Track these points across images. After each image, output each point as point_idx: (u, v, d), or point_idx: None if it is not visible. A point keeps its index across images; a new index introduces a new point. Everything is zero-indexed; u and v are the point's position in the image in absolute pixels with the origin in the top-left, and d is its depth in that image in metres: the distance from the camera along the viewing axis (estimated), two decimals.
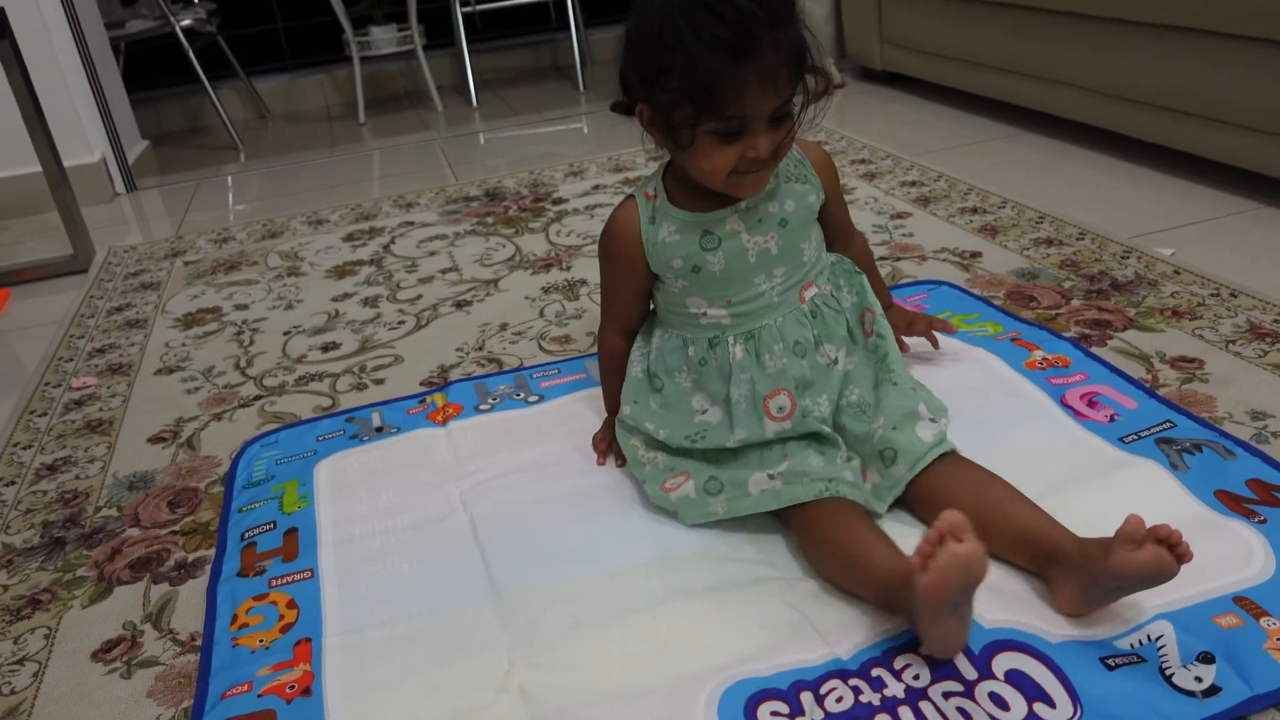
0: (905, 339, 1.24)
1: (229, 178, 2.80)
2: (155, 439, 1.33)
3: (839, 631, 0.85)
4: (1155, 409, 1.12)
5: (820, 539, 0.92)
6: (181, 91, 3.62)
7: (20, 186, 2.46)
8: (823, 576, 0.92)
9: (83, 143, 2.55)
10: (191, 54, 3.11)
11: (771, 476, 0.97)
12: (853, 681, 0.80)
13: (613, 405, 1.15)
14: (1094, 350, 1.26)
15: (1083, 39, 2.02)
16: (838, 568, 0.90)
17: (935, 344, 1.25)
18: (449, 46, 3.70)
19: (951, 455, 0.97)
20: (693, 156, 0.93)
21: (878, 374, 1.06)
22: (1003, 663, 0.80)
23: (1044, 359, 1.25)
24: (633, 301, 1.10)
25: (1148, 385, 1.17)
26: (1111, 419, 1.11)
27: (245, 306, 1.75)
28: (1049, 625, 0.84)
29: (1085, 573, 0.81)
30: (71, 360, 1.61)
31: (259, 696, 0.86)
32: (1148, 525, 0.78)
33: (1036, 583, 0.88)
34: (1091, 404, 1.15)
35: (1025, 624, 0.84)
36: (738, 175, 0.93)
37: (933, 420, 1.00)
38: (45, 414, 1.44)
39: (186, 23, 3.16)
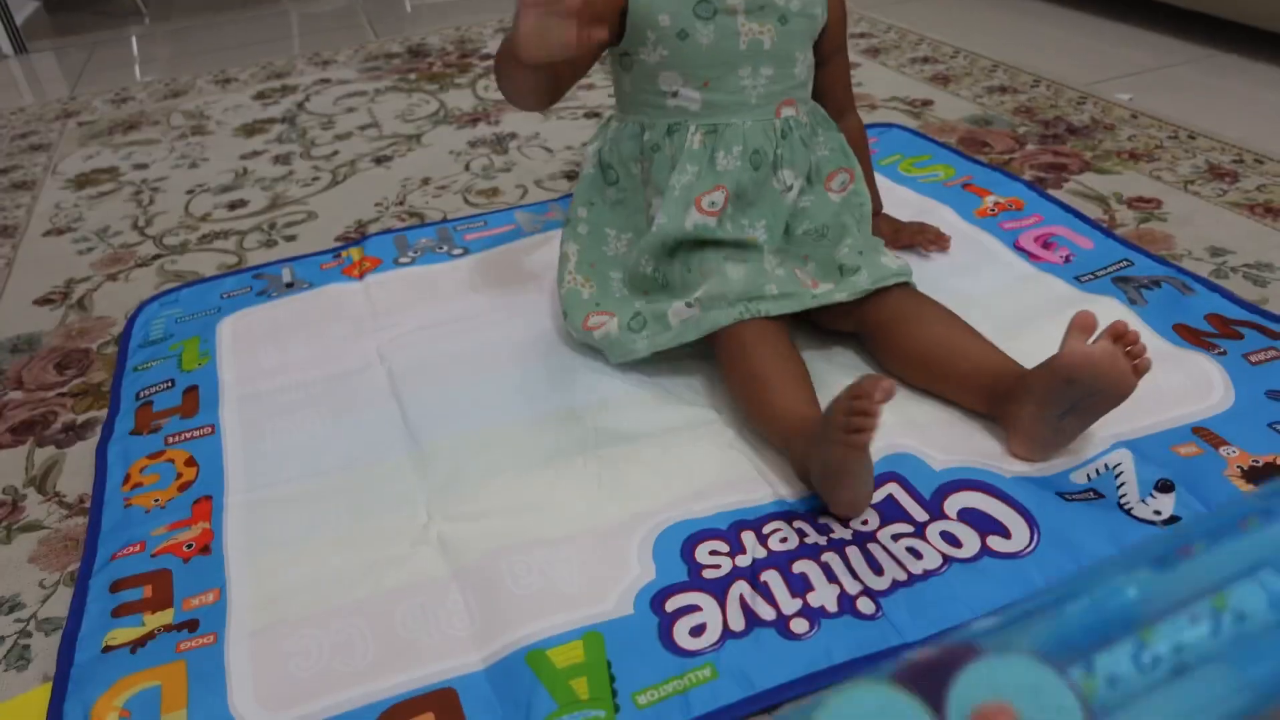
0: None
1: (131, 40, 2.58)
2: (42, 300, 1.22)
3: (784, 474, 0.80)
4: (1112, 248, 1.07)
5: (731, 368, 0.87)
6: None
7: None
8: (739, 410, 0.87)
9: None
10: None
11: (690, 304, 0.90)
12: (797, 523, 0.75)
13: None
14: (1050, 193, 1.20)
15: None
16: (745, 401, 0.85)
17: (929, 249, 1.09)
18: None
19: (911, 289, 0.91)
20: None
21: (853, 220, 0.98)
22: (955, 503, 0.75)
23: (996, 204, 1.19)
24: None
25: (1104, 225, 1.12)
26: (1067, 259, 1.06)
27: (145, 166, 1.61)
28: (1002, 462, 0.79)
29: (1037, 392, 0.75)
30: None
31: (152, 556, 0.79)
32: None
33: (989, 426, 0.83)
34: (1046, 245, 1.09)
35: (977, 462, 0.79)
36: None
37: (898, 258, 0.94)
38: None
39: None
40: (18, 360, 1.09)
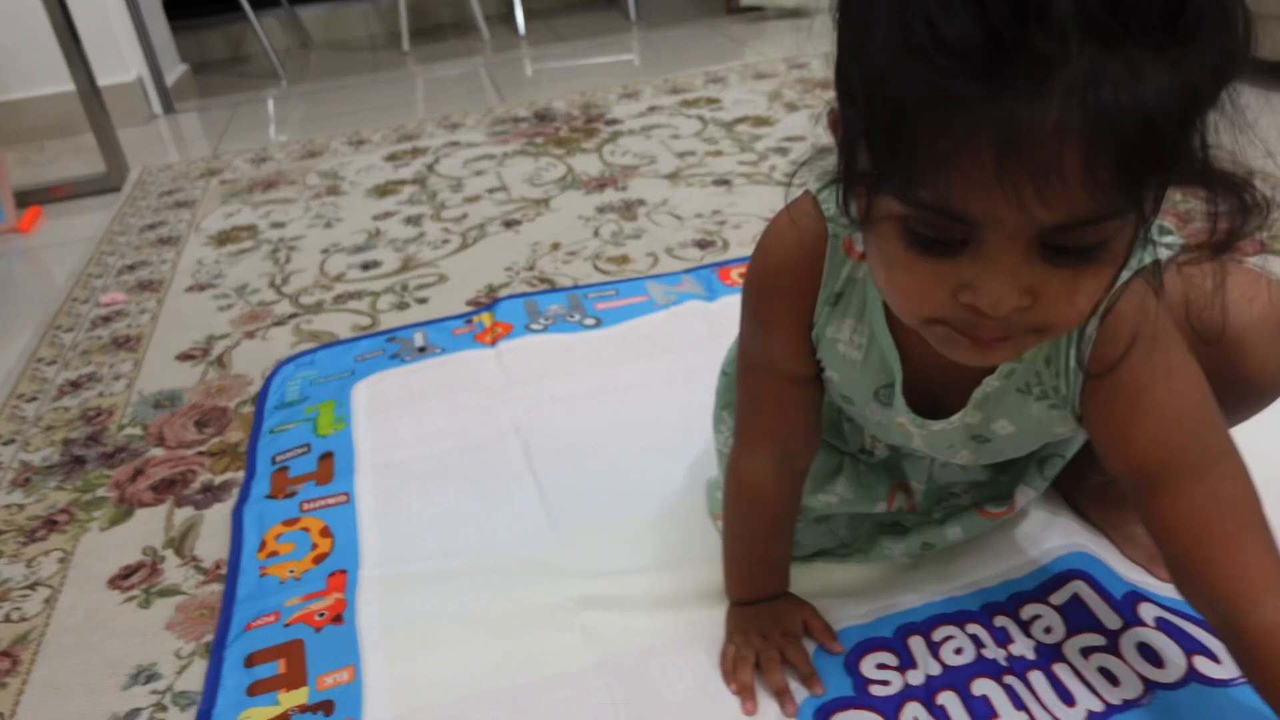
0: None
1: (269, 102, 2.69)
2: (184, 356, 1.24)
3: (952, 565, 0.74)
4: None
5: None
6: (224, 19, 3.51)
7: (55, 105, 2.37)
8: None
9: (118, 61, 2.45)
10: None
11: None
12: (971, 628, 0.69)
13: (743, 587, 0.72)
14: None
15: None
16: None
17: None
18: None
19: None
20: (870, 247, 0.49)
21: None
22: (1150, 611, 0.68)
23: None
24: (791, 395, 0.63)
25: None
26: None
27: (282, 225, 1.64)
28: None
29: None
30: (101, 277, 1.52)
31: (285, 626, 0.77)
32: None
33: None
34: None
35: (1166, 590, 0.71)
36: (943, 326, 0.47)
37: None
38: (72, 329, 1.35)
39: None
40: (160, 416, 1.11)
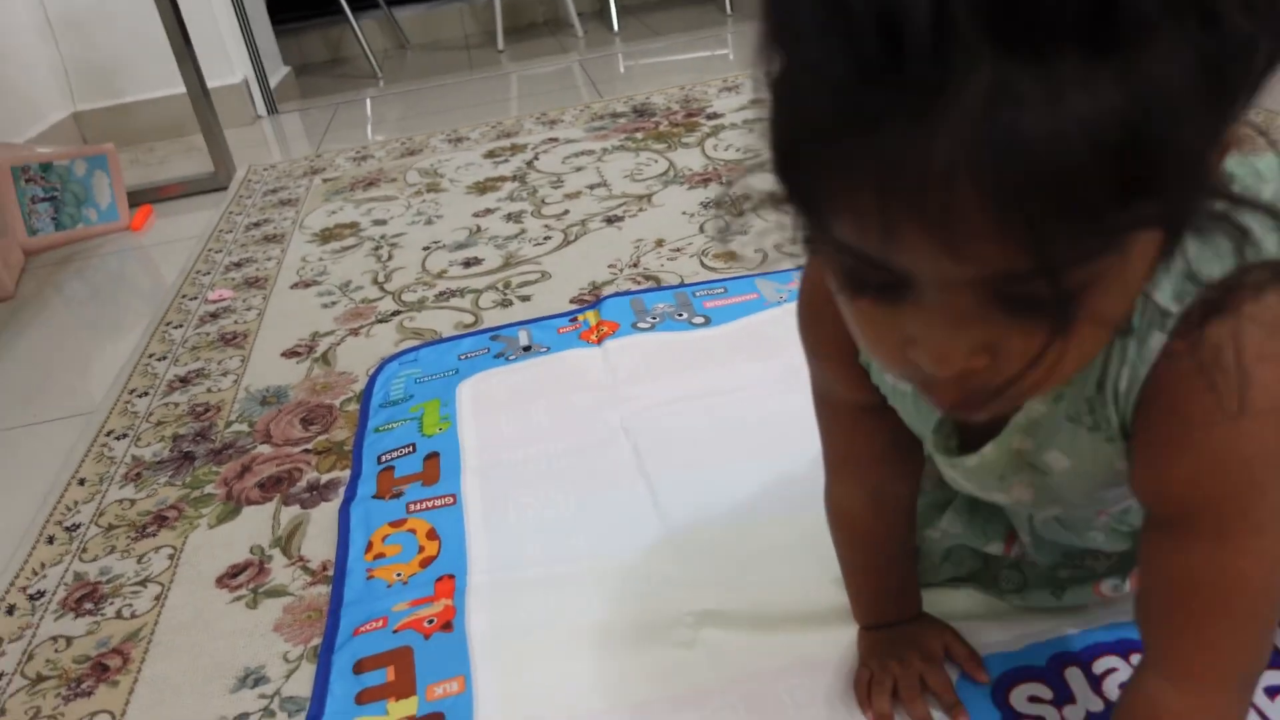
0: None
1: (368, 101, 2.72)
2: (289, 353, 1.24)
3: (1111, 583, 0.67)
4: None
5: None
6: (323, 22, 3.57)
7: (166, 108, 2.43)
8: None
9: (225, 64, 2.51)
10: None
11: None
12: (1136, 657, 0.62)
13: (869, 613, 0.66)
14: None
15: None
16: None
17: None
18: None
19: None
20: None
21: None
22: None
23: None
24: (863, 425, 0.58)
25: None
26: None
27: (384, 222, 1.64)
28: None
29: None
30: (209, 274, 1.54)
31: (394, 632, 0.75)
32: None
33: None
34: None
35: None
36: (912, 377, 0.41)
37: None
38: (181, 326, 1.37)
39: None
40: (267, 413, 1.10)
